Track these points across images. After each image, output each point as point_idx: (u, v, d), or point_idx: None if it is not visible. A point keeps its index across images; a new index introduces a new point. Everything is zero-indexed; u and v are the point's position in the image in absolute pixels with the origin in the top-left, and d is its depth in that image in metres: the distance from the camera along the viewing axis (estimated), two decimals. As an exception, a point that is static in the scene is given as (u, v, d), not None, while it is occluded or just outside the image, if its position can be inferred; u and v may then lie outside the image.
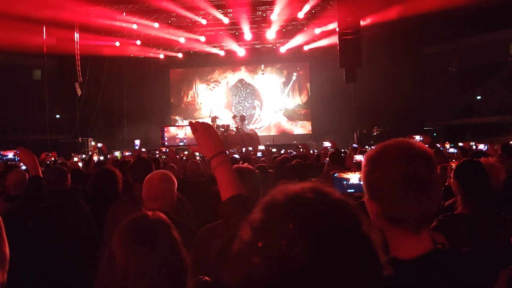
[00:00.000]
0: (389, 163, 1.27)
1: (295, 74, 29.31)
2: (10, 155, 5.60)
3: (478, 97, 26.61)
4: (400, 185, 1.24)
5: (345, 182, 2.68)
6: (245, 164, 3.17)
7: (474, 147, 9.54)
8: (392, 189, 1.25)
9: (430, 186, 1.26)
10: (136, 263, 1.46)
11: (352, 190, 2.65)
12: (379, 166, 1.28)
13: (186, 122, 27.97)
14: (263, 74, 28.88)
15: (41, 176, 3.34)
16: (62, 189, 3.96)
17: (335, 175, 2.74)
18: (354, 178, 2.67)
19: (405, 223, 1.25)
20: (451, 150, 7.87)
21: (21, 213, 3.15)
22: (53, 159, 9.53)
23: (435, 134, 23.91)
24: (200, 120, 1.83)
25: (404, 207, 1.24)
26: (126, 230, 1.54)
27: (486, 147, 8.65)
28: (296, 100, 29.39)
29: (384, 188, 1.26)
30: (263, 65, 28.94)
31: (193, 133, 1.70)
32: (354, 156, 5.57)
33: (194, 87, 30.35)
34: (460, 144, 11.46)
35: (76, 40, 21.13)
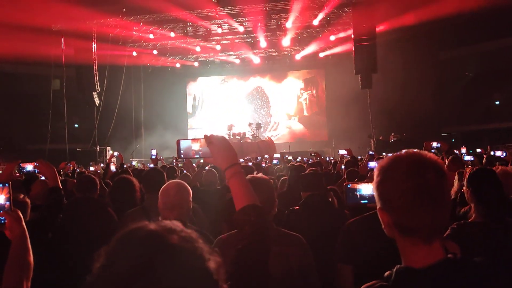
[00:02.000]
0: (400, 174, 1.28)
1: (311, 81, 29.33)
2: (30, 167, 5.68)
3: (497, 102, 26.22)
4: (411, 196, 1.25)
5: (358, 193, 2.65)
6: (260, 174, 3.20)
7: (492, 153, 9.32)
8: (403, 200, 1.26)
9: (441, 197, 1.27)
10: None
11: (366, 201, 2.64)
12: (390, 177, 1.30)
13: (199, 130, 28.13)
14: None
15: (61, 187, 3.42)
16: (92, 197, 4.05)
17: (349, 186, 2.72)
18: (367, 189, 2.64)
19: (416, 233, 1.27)
20: (467, 157, 7.60)
21: (41, 223, 3.22)
22: (72, 168, 9.72)
23: (453, 140, 23.60)
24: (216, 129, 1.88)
25: (415, 217, 1.26)
26: None
27: (504, 153, 8.53)
28: (312, 107, 29.32)
29: (395, 198, 1.28)
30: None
31: (208, 146, 1.74)
32: (368, 163, 5.52)
33: (209, 95, 30.51)
34: (478, 150, 11.27)
35: (93, 50, 21.48)
